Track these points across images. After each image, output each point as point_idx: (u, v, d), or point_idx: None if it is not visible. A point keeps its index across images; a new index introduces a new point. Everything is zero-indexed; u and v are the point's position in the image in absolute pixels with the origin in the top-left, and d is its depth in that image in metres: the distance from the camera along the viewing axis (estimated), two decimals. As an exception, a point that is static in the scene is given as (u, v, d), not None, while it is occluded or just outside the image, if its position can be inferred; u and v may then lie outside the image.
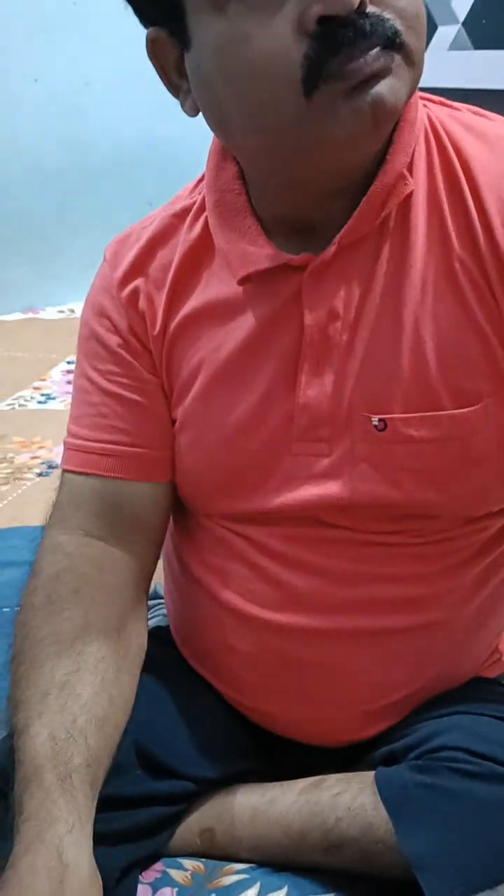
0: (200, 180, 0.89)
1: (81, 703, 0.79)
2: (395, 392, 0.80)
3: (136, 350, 0.90)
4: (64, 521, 0.92)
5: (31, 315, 3.16)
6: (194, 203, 0.89)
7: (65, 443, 0.96)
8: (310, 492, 0.84)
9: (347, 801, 0.85)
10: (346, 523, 0.85)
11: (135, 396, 0.90)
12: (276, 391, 0.84)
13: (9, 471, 1.88)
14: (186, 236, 0.88)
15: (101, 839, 0.81)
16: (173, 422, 0.91)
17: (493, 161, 0.79)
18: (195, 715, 0.95)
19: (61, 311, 3.16)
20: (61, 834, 0.70)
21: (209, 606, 0.93)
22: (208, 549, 0.94)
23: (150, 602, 1.13)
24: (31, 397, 2.30)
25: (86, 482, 0.92)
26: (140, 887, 0.87)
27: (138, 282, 0.89)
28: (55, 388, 2.38)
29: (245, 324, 0.84)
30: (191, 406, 0.88)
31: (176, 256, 0.88)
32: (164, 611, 1.09)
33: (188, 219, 0.88)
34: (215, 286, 0.86)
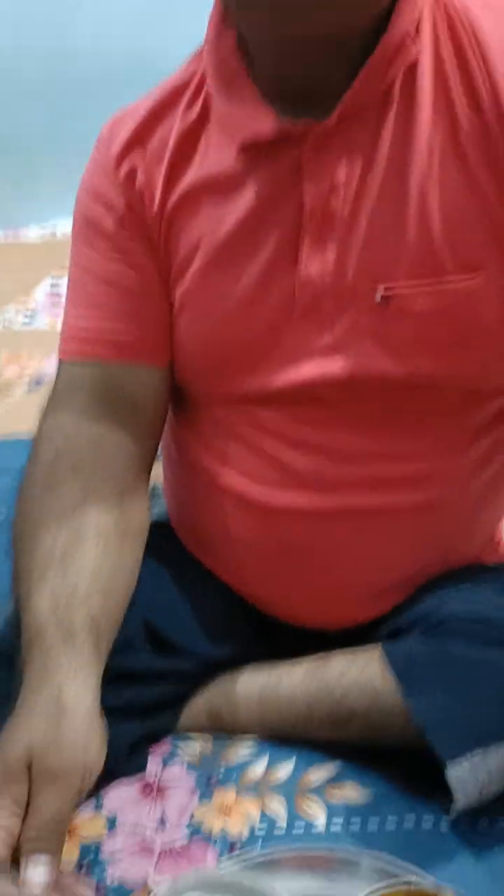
0: (198, 53, 0.86)
1: (83, 571, 0.79)
2: (398, 262, 0.79)
3: (134, 232, 0.88)
4: (61, 406, 0.91)
5: (12, 234, 3.13)
6: (194, 76, 0.86)
7: (62, 332, 0.94)
8: (312, 369, 0.84)
9: (354, 674, 0.88)
10: (348, 399, 0.85)
11: (132, 282, 0.89)
12: (278, 266, 0.82)
13: (-2, 384, 1.91)
14: (185, 110, 0.85)
15: (110, 713, 0.82)
16: (172, 304, 0.90)
17: (499, 27, 0.77)
18: (200, 599, 0.97)
19: (43, 230, 3.12)
20: (61, 681, 0.72)
21: (210, 492, 0.94)
22: (208, 434, 0.94)
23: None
24: (16, 316, 2.30)
25: (83, 369, 0.91)
26: (150, 763, 0.91)
27: (136, 158, 0.87)
28: (39, 307, 2.37)
29: (244, 198, 0.82)
30: (191, 284, 0.87)
31: (174, 130, 0.85)
32: (164, 507, 1.10)
33: (188, 93, 0.86)
34: (214, 159, 0.84)
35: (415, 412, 0.86)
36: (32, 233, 3.09)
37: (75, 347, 0.92)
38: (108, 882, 0.79)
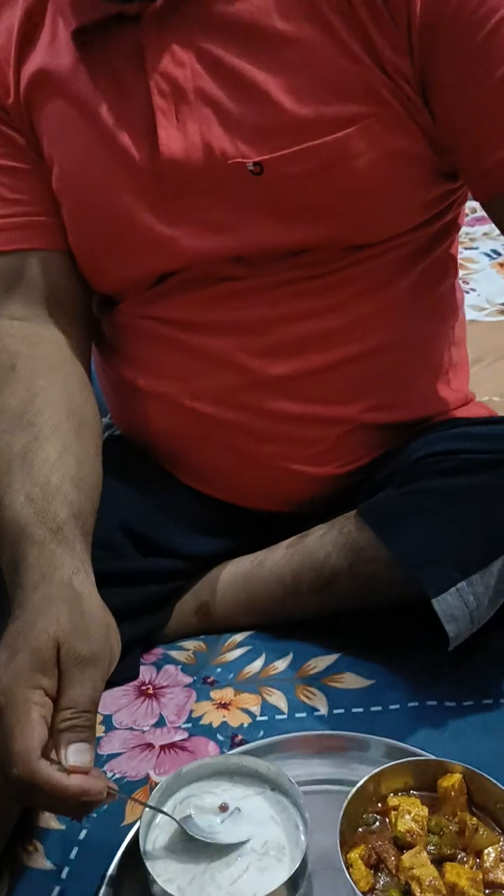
0: None
1: (49, 465, 0.76)
2: (266, 132, 0.78)
3: (4, 119, 0.87)
4: None
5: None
6: None
7: None
8: (199, 246, 0.83)
9: (334, 535, 0.88)
10: (243, 273, 0.84)
11: (19, 164, 0.87)
12: (138, 146, 0.81)
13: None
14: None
15: None
16: (54, 190, 0.88)
17: None
18: (178, 501, 0.96)
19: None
20: (69, 572, 0.68)
21: (135, 399, 0.94)
22: (122, 344, 0.94)
23: (108, 422, 1.12)
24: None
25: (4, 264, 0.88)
26: (143, 668, 0.89)
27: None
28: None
29: (92, 80, 0.81)
30: (59, 175, 0.86)
31: (16, 20, 0.84)
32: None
33: None
34: (57, 43, 0.83)
35: (310, 271, 0.85)
36: None
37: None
38: (110, 777, 0.77)
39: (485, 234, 1.88)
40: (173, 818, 0.66)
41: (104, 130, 0.82)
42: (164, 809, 0.67)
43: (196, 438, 0.93)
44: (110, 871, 0.67)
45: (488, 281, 1.67)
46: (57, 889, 0.68)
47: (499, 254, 1.75)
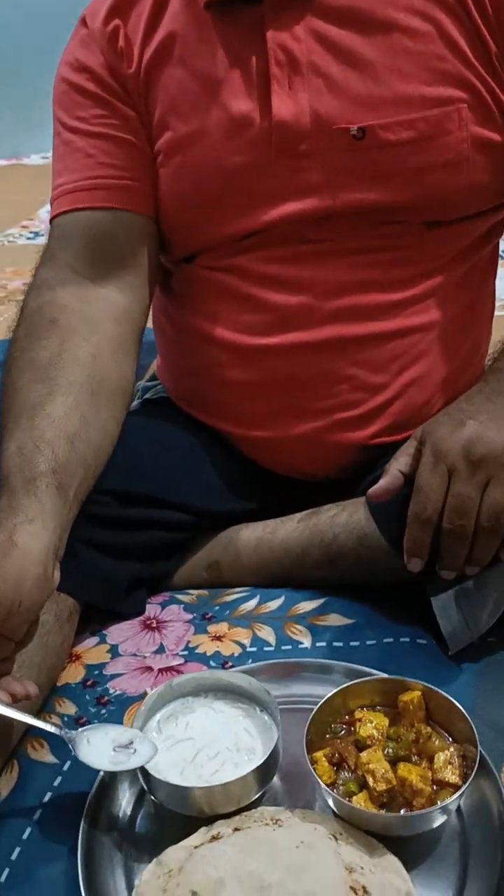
0: None
1: (51, 420, 0.81)
2: (371, 102, 0.86)
3: (115, 89, 0.94)
4: (51, 261, 0.94)
5: (15, 161, 3.16)
6: None
7: (52, 198, 0.97)
8: (294, 205, 0.90)
9: (344, 518, 0.95)
10: (328, 236, 0.91)
11: (119, 133, 0.94)
12: (252, 110, 0.89)
13: (3, 294, 1.96)
14: None
15: (107, 550, 0.91)
16: (157, 155, 0.95)
17: None
18: (201, 460, 1.03)
19: (45, 158, 3.16)
20: (18, 521, 0.73)
21: (204, 349, 1.00)
22: (196, 296, 1.00)
23: (149, 384, 1.22)
24: (20, 234, 2.35)
25: (75, 219, 0.95)
26: (150, 606, 0.97)
27: (117, 22, 0.93)
28: (42, 226, 2.42)
29: (214, 52, 0.89)
30: (171, 137, 0.92)
31: (147, 7, 0.92)
32: (162, 390, 1.16)
33: None
34: (183, 16, 0.90)
35: (391, 241, 0.92)
36: (34, 162, 3.12)
37: (67, 201, 0.95)
38: (112, 693, 0.86)
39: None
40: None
41: (221, 95, 0.90)
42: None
43: (254, 388, 0.98)
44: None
45: (501, 279, 1.73)
46: (59, 779, 0.77)
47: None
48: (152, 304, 1.09)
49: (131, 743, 0.72)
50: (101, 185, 0.94)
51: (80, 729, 0.73)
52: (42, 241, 2.28)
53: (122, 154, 0.95)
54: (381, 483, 0.84)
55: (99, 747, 0.72)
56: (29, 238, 2.30)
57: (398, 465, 0.84)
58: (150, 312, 1.12)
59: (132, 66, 0.93)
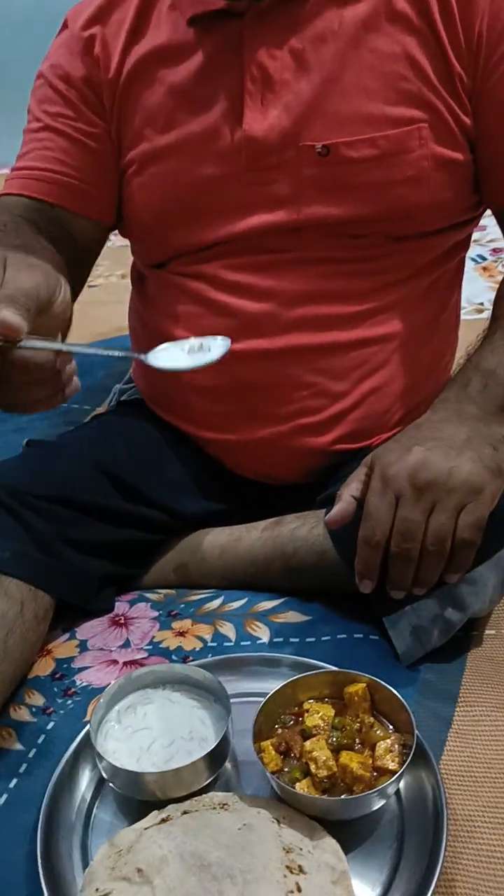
0: None
1: None
2: (336, 120, 0.90)
3: (88, 97, 0.98)
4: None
5: (5, 172, 3.19)
6: None
7: (8, 175, 1.02)
8: (261, 217, 0.94)
9: (304, 533, 0.98)
10: (293, 246, 0.95)
11: (81, 137, 0.99)
12: (225, 124, 0.93)
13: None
14: None
15: (81, 546, 0.96)
16: (127, 167, 0.99)
17: None
18: (171, 460, 1.07)
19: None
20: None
21: None
22: (166, 301, 1.04)
23: (125, 387, 1.27)
24: (9, 241, 2.38)
25: (19, 202, 0.99)
26: (118, 604, 1.02)
27: (96, 29, 0.97)
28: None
29: (193, 65, 0.94)
30: (147, 148, 0.97)
31: (129, 14, 0.96)
32: (136, 392, 1.19)
33: None
34: (165, 31, 0.95)
35: (353, 254, 0.96)
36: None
37: (19, 184, 1.00)
38: (78, 685, 0.90)
39: (475, 240, 1.99)
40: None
41: (197, 108, 0.94)
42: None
43: (218, 392, 1.02)
44: (69, 752, 0.80)
45: (471, 283, 1.78)
46: (24, 766, 0.81)
47: (484, 259, 1.86)
48: (129, 308, 1.14)
49: (201, 347, 0.76)
50: (57, 181, 1.00)
51: (152, 351, 0.76)
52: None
53: (79, 156, 1.00)
54: (336, 510, 0.86)
55: (174, 354, 0.76)
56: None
57: (350, 490, 0.86)
58: (127, 316, 1.17)
59: (110, 72, 0.98)
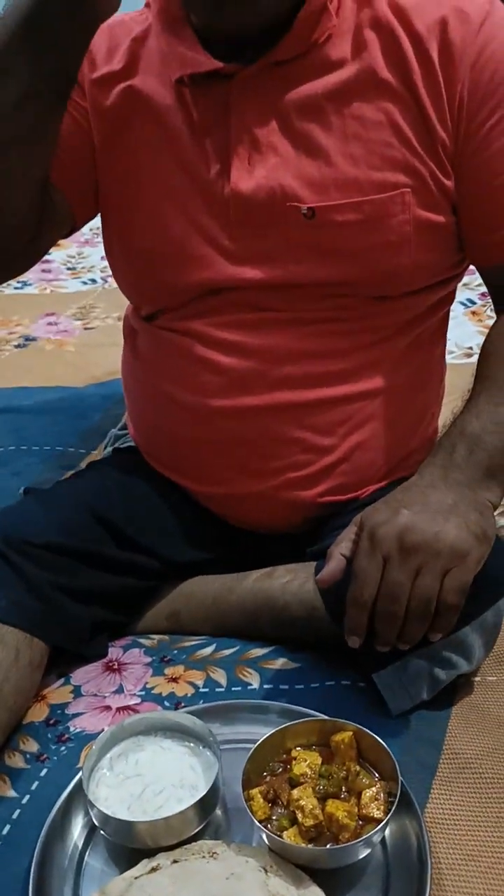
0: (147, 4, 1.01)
1: None
2: (321, 184, 0.93)
3: (78, 95, 0.98)
4: None
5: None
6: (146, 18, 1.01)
7: None
8: (248, 273, 0.97)
9: (295, 587, 1.00)
10: (279, 305, 0.98)
11: (73, 132, 0.98)
12: (213, 180, 0.96)
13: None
14: (141, 26, 1.00)
15: (76, 593, 0.98)
16: (111, 208, 1.02)
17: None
18: (164, 509, 1.09)
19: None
20: None
21: (164, 406, 1.06)
22: (158, 356, 1.06)
23: (120, 433, 1.31)
24: (7, 284, 2.41)
25: None
26: (112, 650, 1.04)
27: (104, 38, 1.00)
28: (30, 275, 2.49)
29: (180, 125, 0.96)
30: (135, 187, 0.99)
31: (125, 45, 0.99)
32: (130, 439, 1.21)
33: (141, 21, 1.01)
34: (154, 81, 0.98)
35: (340, 314, 0.99)
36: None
37: None
38: (72, 731, 0.92)
39: (464, 284, 2.04)
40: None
41: (186, 160, 0.97)
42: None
43: (209, 446, 1.04)
44: (61, 799, 0.82)
45: (460, 327, 1.82)
46: (18, 812, 0.83)
47: (473, 303, 1.90)
48: (121, 362, 1.17)
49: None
50: None
51: None
52: (29, 290, 2.35)
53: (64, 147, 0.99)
54: (326, 570, 0.87)
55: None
56: (17, 287, 2.38)
57: (340, 549, 0.88)
58: (120, 369, 1.20)
59: (97, 72, 0.99)
